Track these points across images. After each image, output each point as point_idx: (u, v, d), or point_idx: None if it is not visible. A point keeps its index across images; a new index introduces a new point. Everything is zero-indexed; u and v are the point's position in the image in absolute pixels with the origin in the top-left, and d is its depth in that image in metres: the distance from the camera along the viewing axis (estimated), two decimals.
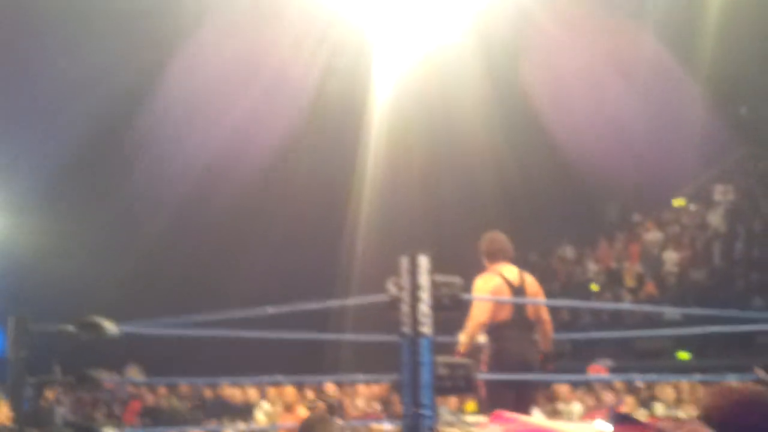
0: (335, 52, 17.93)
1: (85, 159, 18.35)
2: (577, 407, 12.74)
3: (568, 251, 23.18)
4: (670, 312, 17.80)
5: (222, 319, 8.12)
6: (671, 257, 20.76)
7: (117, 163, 18.39)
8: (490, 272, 7.23)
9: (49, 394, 14.47)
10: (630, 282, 20.64)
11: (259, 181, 18.89)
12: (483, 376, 6.52)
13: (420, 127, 18.67)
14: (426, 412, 5.29)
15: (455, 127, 18.90)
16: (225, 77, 17.56)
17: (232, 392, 15.17)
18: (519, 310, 7.08)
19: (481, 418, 10.14)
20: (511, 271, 7.24)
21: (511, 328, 7.01)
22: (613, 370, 16.16)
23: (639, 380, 13.20)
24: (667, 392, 11.72)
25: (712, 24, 18.85)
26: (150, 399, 15.92)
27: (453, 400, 12.06)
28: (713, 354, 17.07)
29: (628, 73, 18.24)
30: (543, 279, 21.57)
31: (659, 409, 11.27)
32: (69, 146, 17.86)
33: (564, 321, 19.81)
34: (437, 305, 5.40)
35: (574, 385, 13.46)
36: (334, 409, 6.45)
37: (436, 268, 5.44)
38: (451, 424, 7.35)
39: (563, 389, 13.04)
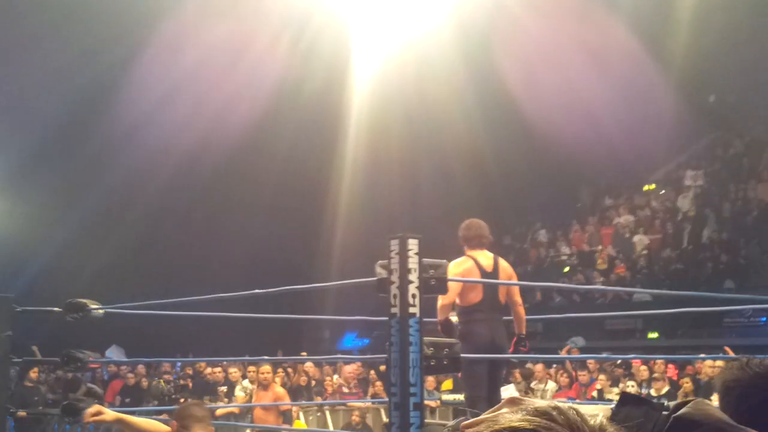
0: (316, 38, 18.01)
1: (64, 141, 18.36)
2: (551, 385, 13.07)
3: (542, 234, 23.54)
4: (641, 293, 18.19)
5: (204, 300, 8.32)
6: (642, 240, 21.15)
7: (97, 147, 18.38)
8: (464, 257, 7.37)
9: (32, 374, 14.66)
10: (601, 264, 21.01)
11: (238, 167, 18.97)
12: (466, 355, 6.71)
13: (398, 113, 18.81)
14: (414, 390, 5.44)
15: (433, 112, 19.07)
16: (207, 60, 17.61)
17: (212, 371, 15.37)
18: (490, 293, 7.20)
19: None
20: (485, 257, 7.37)
21: (480, 311, 7.15)
22: (585, 350, 16.56)
23: (612, 359, 13.52)
24: (640, 371, 12.05)
25: (683, 13, 19.13)
26: (131, 379, 16.10)
27: (430, 379, 12.34)
28: (682, 334, 17.48)
29: (601, 61, 18.48)
30: (517, 261, 22.00)
31: (631, 387, 11.59)
32: (47, 128, 17.86)
33: (537, 302, 20.17)
34: (425, 287, 5.58)
35: (548, 364, 13.78)
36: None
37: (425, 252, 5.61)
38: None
39: (537, 368, 13.38)
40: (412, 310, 5.49)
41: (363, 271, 6.28)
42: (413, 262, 5.52)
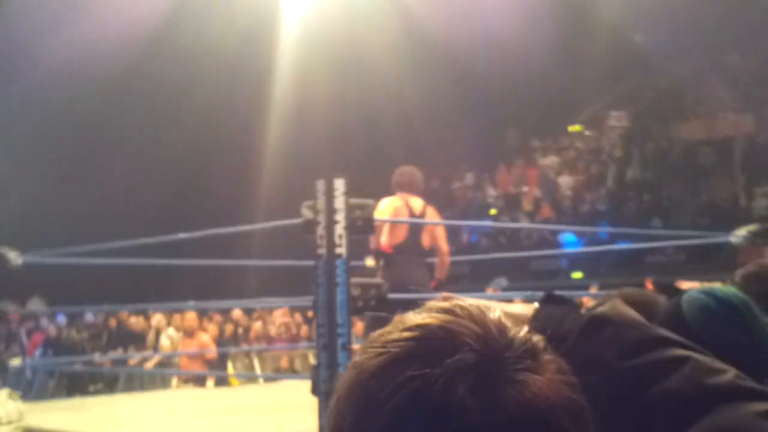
0: None
1: None
2: None
3: (468, 177, 23.59)
4: (566, 234, 18.39)
5: (129, 246, 8.09)
6: (567, 181, 21.35)
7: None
8: (394, 196, 7.34)
9: None
10: (527, 206, 21.17)
11: (163, 110, 18.55)
12: (394, 296, 6.65)
13: (324, 56, 18.57)
14: (341, 331, 5.39)
15: (359, 56, 18.86)
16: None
17: (136, 320, 15.13)
18: (413, 235, 7.21)
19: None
20: (415, 201, 7.38)
21: (401, 253, 7.14)
22: (509, 291, 16.69)
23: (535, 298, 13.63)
24: None
25: None
26: (52, 330, 15.77)
27: (359, 325, 12.31)
28: (605, 273, 17.72)
29: (526, 1, 18.44)
30: (444, 204, 22.01)
31: None
32: None
33: (463, 244, 20.26)
34: (352, 228, 5.50)
35: None
36: None
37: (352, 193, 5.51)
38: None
39: None
40: (338, 250, 5.42)
41: (291, 216, 6.17)
42: (340, 203, 5.43)
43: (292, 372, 12.54)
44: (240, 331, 14.60)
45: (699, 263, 15.07)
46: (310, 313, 11.92)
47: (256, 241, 14.21)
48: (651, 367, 1.17)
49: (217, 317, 14.28)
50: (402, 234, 7.13)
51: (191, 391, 9.80)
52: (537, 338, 0.82)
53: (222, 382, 11.20)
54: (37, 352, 15.04)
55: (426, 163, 22.27)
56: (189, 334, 12.04)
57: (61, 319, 16.24)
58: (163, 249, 9.08)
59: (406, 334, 0.79)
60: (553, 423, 0.76)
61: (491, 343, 0.78)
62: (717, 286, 2.08)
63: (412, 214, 7.27)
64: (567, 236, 18.96)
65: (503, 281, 17.44)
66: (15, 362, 10.92)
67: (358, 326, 12.14)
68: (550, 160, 22.42)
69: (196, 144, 18.43)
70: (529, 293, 12.68)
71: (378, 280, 6.29)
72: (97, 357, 13.83)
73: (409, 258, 7.16)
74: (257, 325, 14.23)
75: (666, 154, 20.77)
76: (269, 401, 7.20)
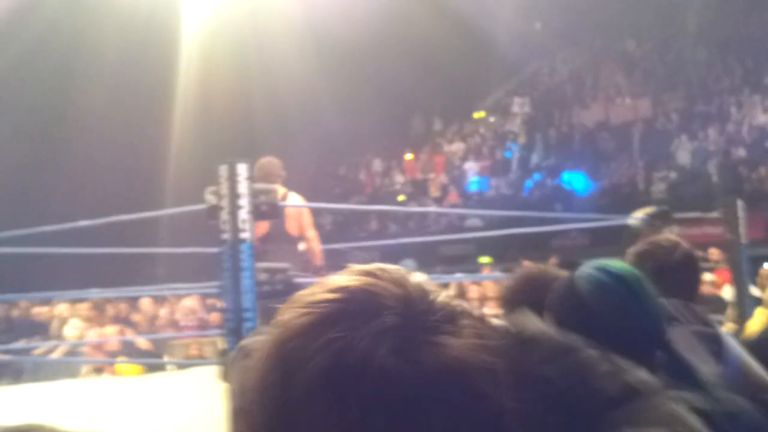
0: None
1: None
2: None
3: (376, 164, 23.74)
4: (473, 220, 18.65)
5: (29, 234, 7.95)
6: (472, 167, 21.66)
7: None
8: None
9: None
10: (434, 192, 21.42)
11: (65, 93, 18.16)
12: (305, 280, 6.65)
13: (229, 42, 18.45)
14: (248, 315, 5.41)
15: (264, 42, 18.80)
16: None
17: (40, 310, 14.82)
18: (277, 224, 7.19)
19: None
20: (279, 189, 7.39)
21: (268, 243, 7.10)
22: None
23: (444, 279, 13.85)
24: (472, 290, 12.44)
25: None
26: None
27: None
28: (512, 257, 18.04)
29: None
30: (352, 191, 22.00)
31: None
32: None
33: (372, 230, 20.41)
34: (257, 213, 5.52)
35: None
36: None
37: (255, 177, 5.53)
38: None
39: None
40: (243, 235, 5.43)
41: (198, 202, 6.14)
42: (243, 188, 5.44)
43: (201, 358, 12.47)
44: (146, 320, 14.44)
45: (602, 246, 15.46)
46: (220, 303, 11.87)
47: (163, 228, 14.07)
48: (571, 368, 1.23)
49: (124, 306, 14.09)
50: (265, 224, 7.09)
51: (101, 381, 9.69)
52: (456, 302, 0.84)
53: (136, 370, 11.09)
54: None
55: (334, 150, 22.46)
56: (94, 323, 11.88)
57: None
58: (67, 237, 8.93)
59: (329, 295, 0.82)
60: (469, 384, 0.79)
61: (412, 305, 0.80)
62: (609, 261, 2.15)
63: None
64: (576, 177, 19.17)
65: (411, 262, 17.64)
66: None
67: None
68: (456, 146, 22.70)
69: (103, 131, 18.11)
70: (435, 277, 12.88)
71: (285, 264, 6.32)
72: None
73: (279, 246, 7.13)
74: (165, 314, 14.09)
75: (568, 139, 21.23)
76: (180, 388, 7.19)
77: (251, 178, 5.49)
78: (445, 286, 13.51)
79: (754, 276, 8.29)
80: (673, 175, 18.66)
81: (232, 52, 18.67)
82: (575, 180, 19.62)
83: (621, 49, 23.12)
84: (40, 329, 14.28)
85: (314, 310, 0.81)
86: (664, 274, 2.58)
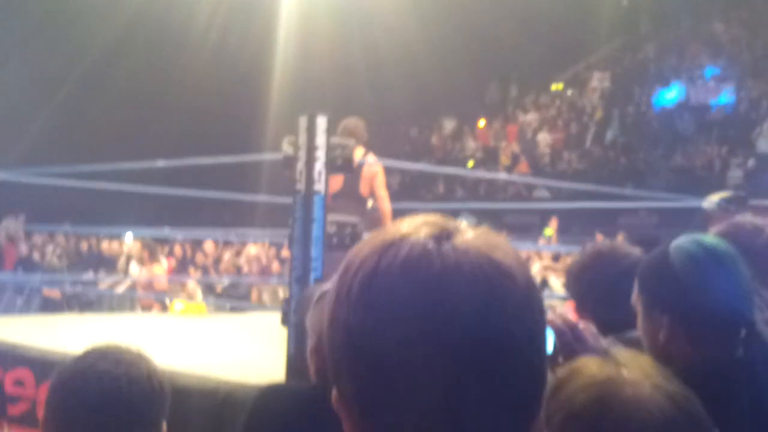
0: None
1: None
2: None
3: (448, 127, 23.65)
4: (541, 192, 18.51)
5: (108, 170, 8.08)
6: (545, 139, 21.45)
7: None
8: None
9: None
10: (505, 161, 21.28)
11: (172, 45, 18.62)
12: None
13: (330, 4, 18.74)
14: (315, 265, 5.46)
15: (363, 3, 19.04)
16: None
17: (109, 245, 15.17)
18: (350, 184, 7.26)
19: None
20: (357, 151, 7.44)
21: (337, 200, 7.15)
22: None
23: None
24: (534, 259, 12.43)
25: None
26: (24, 249, 15.75)
27: None
28: (577, 231, 17.89)
29: None
30: (422, 153, 21.93)
31: None
32: None
33: (440, 193, 20.40)
34: (331, 165, 5.55)
35: None
36: None
37: (335, 131, 5.55)
38: None
39: None
40: (317, 187, 5.45)
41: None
42: (321, 140, 5.46)
43: (260, 304, 12.66)
44: (210, 262, 14.68)
45: (670, 227, 15.26)
46: (285, 252, 11.98)
47: (237, 174, 14.25)
48: None
49: (189, 246, 14.35)
50: (338, 182, 7.16)
51: (157, 317, 9.88)
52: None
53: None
54: (7, 269, 15.02)
55: (406, 112, 22.42)
56: (143, 263, 12.07)
57: (35, 238, 16.25)
58: (143, 175, 9.05)
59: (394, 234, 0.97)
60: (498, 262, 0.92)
61: (445, 227, 0.96)
62: (706, 236, 2.14)
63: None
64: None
65: (471, 218, 17.62)
66: None
67: None
68: (531, 117, 22.49)
69: (205, 86, 18.56)
70: None
71: (354, 218, 6.36)
72: (67, 278, 13.87)
73: (346, 204, 7.19)
74: (228, 258, 14.32)
75: (646, 118, 20.87)
76: (238, 330, 7.31)
77: (330, 131, 5.50)
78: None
79: None
80: (751, 162, 18.27)
81: (331, 16, 18.87)
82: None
83: (708, 31, 22.58)
84: (108, 263, 14.63)
85: (375, 242, 0.96)
86: (745, 257, 2.54)
